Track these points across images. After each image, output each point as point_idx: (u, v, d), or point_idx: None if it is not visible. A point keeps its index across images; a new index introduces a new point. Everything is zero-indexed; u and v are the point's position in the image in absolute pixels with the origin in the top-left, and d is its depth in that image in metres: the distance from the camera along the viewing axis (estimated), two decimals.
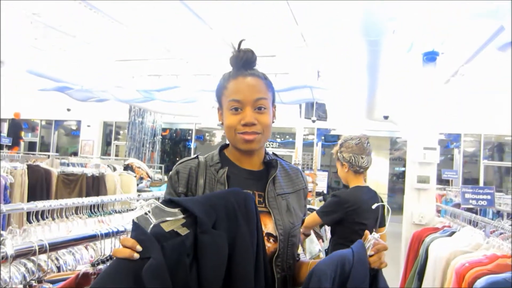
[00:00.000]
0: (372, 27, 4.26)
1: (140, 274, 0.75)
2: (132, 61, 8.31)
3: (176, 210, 0.88)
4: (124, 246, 0.80)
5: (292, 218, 1.12)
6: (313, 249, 2.96)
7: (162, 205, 0.88)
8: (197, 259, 0.86)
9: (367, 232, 1.02)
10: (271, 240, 1.06)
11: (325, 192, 7.75)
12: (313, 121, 8.26)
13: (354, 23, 4.30)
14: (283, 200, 1.13)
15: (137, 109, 11.88)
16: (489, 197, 3.11)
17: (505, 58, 6.00)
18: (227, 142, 1.21)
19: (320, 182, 7.60)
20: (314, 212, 2.37)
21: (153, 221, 0.85)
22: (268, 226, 1.07)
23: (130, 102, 9.18)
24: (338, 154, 2.48)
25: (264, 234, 1.03)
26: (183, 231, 0.86)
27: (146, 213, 0.86)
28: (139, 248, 0.78)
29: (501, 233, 2.40)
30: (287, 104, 7.75)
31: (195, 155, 1.16)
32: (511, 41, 4.41)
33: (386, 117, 8.27)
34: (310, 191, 7.12)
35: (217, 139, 14.21)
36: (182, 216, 0.88)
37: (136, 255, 0.78)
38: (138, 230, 0.83)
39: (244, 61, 1.13)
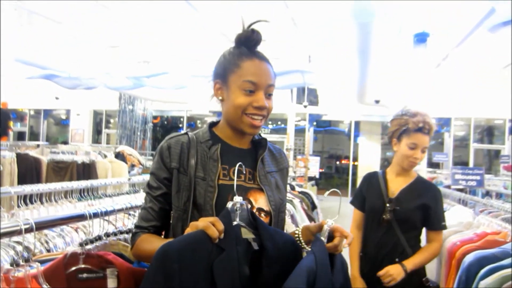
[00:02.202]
0: (363, 9, 4.23)
1: (208, 257, 0.82)
2: (122, 47, 8.18)
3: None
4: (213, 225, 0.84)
5: (281, 195, 1.18)
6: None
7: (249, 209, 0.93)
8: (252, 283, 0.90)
9: (323, 221, 1.09)
10: (262, 214, 1.11)
11: (317, 176, 7.80)
12: (305, 106, 8.25)
13: (345, 6, 4.27)
14: (272, 178, 1.18)
15: (127, 97, 11.73)
16: (478, 177, 3.15)
17: (495, 40, 6.02)
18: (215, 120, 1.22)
19: (312, 167, 7.64)
20: None
21: (238, 220, 0.89)
22: (259, 201, 1.11)
23: (119, 89, 9.07)
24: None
25: (255, 209, 1.09)
26: (254, 246, 0.91)
27: (237, 208, 0.89)
28: (222, 236, 0.85)
29: (490, 212, 2.43)
30: (278, 89, 7.70)
31: (184, 132, 1.16)
32: (503, 22, 4.40)
33: (377, 101, 8.29)
34: (302, 176, 7.18)
35: None
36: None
37: (217, 239, 0.84)
38: (227, 219, 0.88)
39: (255, 42, 1.12)
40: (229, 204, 0.90)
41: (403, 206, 1.89)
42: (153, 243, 0.98)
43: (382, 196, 1.95)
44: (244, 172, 1.11)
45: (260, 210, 1.11)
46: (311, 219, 3.21)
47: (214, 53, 1.22)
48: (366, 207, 2.03)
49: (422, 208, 1.89)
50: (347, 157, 12.56)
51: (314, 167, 8.00)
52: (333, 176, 14.51)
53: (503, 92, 9.12)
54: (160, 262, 0.79)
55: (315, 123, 12.42)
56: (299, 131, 11.58)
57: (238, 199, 0.90)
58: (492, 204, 2.23)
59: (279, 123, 13.19)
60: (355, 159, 12.33)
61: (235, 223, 0.89)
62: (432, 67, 7.59)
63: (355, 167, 12.30)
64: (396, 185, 1.98)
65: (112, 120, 13.84)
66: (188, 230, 0.87)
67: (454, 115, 10.86)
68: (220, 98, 1.13)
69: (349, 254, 2.02)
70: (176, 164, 1.08)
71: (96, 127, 13.78)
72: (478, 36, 5.87)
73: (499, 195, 4.11)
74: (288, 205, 2.84)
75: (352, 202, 2.14)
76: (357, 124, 12.29)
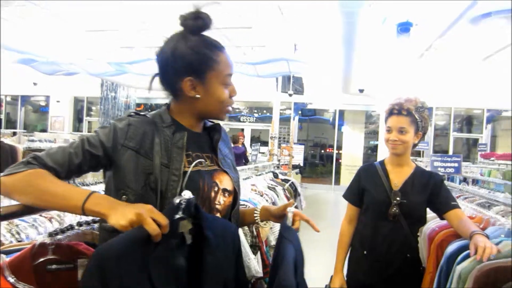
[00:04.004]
0: None
1: (144, 255, 0.79)
2: (104, 32, 7.95)
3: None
4: (155, 222, 0.81)
5: (238, 174, 1.25)
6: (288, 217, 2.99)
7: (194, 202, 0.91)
8: (195, 272, 0.91)
9: (284, 206, 1.18)
10: (226, 194, 1.14)
11: (301, 164, 7.84)
12: (290, 95, 8.24)
13: None
14: (228, 160, 1.22)
15: (110, 84, 11.50)
16: (456, 164, 3.20)
17: (476, 32, 6.09)
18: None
19: (296, 155, 7.67)
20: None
21: (180, 214, 0.87)
22: (223, 182, 1.13)
23: (101, 75, 8.87)
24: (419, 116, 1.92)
25: (220, 190, 1.12)
26: (188, 239, 0.91)
27: (181, 202, 0.87)
28: (165, 231, 0.82)
29: (466, 197, 2.48)
30: (264, 77, 7.68)
31: (143, 113, 1.12)
32: (482, 14, 4.46)
33: (361, 91, 8.34)
34: (286, 164, 7.20)
35: None
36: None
37: (159, 237, 0.81)
38: (170, 215, 0.85)
39: (208, 26, 1.10)
40: (176, 200, 0.88)
41: (409, 199, 1.83)
42: (56, 186, 0.90)
43: (385, 189, 1.88)
44: (206, 161, 1.12)
45: (224, 190, 1.13)
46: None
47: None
48: (367, 201, 1.94)
49: (429, 200, 1.86)
50: (331, 146, 12.66)
51: (299, 155, 8.04)
52: (317, 165, 14.63)
53: (482, 83, 9.30)
54: (96, 268, 0.76)
55: (300, 112, 12.44)
56: (285, 120, 11.59)
57: (187, 194, 0.89)
58: (468, 190, 2.26)
59: (264, 111, 13.16)
60: (339, 147, 12.44)
61: (177, 216, 0.87)
62: (415, 57, 7.65)
63: (339, 156, 12.42)
64: (397, 176, 1.91)
65: (94, 108, 13.56)
66: (123, 223, 0.81)
67: (436, 105, 11.02)
68: (196, 95, 1.07)
69: (338, 246, 1.98)
70: (135, 144, 1.02)
71: (77, 114, 13.49)
72: (460, 28, 5.93)
73: (475, 182, 4.21)
74: (270, 193, 2.84)
75: (345, 197, 2.05)
76: (342, 113, 12.37)
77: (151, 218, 0.81)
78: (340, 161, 12.27)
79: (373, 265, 1.87)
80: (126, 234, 0.80)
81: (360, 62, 7.08)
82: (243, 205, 2.21)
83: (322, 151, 14.71)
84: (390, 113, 1.87)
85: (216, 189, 1.10)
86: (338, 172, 12.09)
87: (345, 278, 1.95)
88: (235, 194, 1.17)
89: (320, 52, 7.87)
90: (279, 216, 1.21)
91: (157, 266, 0.81)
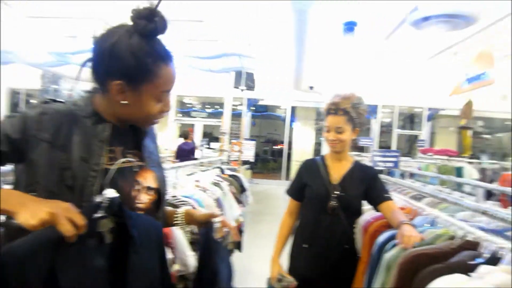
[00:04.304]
0: None
1: (50, 258, 0.74)
2: (45, 19, 7.46)
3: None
4: (71, 221, 0.75)
5: (163, 172, 1.19)
6: (233, 213, 3.00)
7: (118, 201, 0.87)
8: (120, 272, 0.87)
9: (209, 214, 1.22)
10: (150, 192, 1.09)
11: (251, 160, 7.88)
12: (242, 90, 8.25)
13: None
14: (154, 156, 1.16)
15: (51, 75, 10.84)
16: (395, 159, 3.38)
17: (418, 35, 6.44)
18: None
19: (247, 151, 7.69)
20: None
21: (101, 212, 0.83)
22: (147, 180, 1.08)
23: (41, 66, 8.33)
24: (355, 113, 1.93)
25: (143, 188, 1.06)
26: (107, 238, 0.87)
27: (102, 201, 0.83)
28: (81, 231, 0.76)
29: (402, 190, 2.63)
30: (216, 72, 7.61)
31: (60, 100, 1.03)
32: (423, 18, 4.71)
33: (311, 88, 8.53)
34: (236, 160, 7.21)
35: None
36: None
37: (74, 239, 0.75)
38: (89, 214, 0.81)
39: (160, 33, 0.99)
40: (98, 198, 0.84)
41: (347, 192, 1.91)
42: None
43: (325, 183, 1.94)
44: (131, 159, 1.06)
45: (148, 188, 1.08)
46: (239, 201, 3.24)
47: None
48: (308, 195, 1.99)
49: (365, 192, 1.94)
50: (283, 142, 12.89)
51: (249, 151, 8.07)
52: (269, 160, 14.82)
53: (424, 83, 9.88)
54: None
55: (253, 108, 12.50)
56: (237, 116, 11.60)
57: (109, 192, 0.85)
58: (401, 183, 2.40)
59: (216, 107, 13.08)
60: (290, 144, 12.67)
61: (97, 215, 0.83)
62: (364, 56, 7.96)
63: (290, 151, 12.65)
64: (337, 171, 1.98)
65: (33, 101, 12.72)
66: (33, 223, 0.73)
67: (381, 103, 11.56)
68: (123, 101, 0.97)
69: (277, 236, 2.02)
70: (49, 136, 0.92)
71: (13, 108, 12.59)
72: (405, 30, 6.24)
73: (412, 175, 4.47)
74: (214, 188, 2.83)
75: (287, 192, 2.10)
76: (293, 109, 12.59)
77: (67, 218, 0.74)
78: (291, 156, 12.51)
79: (313, 257, 1.93)
80: (35, 235, 0.74)
81: (310, 60, 7.24)
82: (184, 201, 2.19)
83: (274, 147, 14.91)
84: (328, 112, 1.91)
85: (138, 187, 1.04)
86: (289, 168, 12.32)
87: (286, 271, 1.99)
88: (160, 192, 1.12)
89: (272, 48, 7.94)
90: (203, 223, 1.20)
91: (66, 269, 0.76)
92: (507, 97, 9.64)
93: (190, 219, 1.22)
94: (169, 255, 1.75)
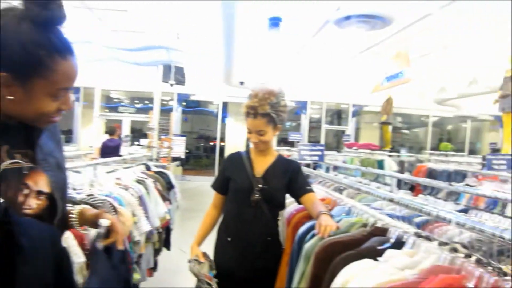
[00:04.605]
0: None
1: None
2: None
3: None
4: None
5: (65, 175, 1.08)
6: (159, 211, 2.89)
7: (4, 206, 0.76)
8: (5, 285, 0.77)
9: (98, 213, 1.11)
10: (41, 197, 0.95)
11: (182, 157, 7.71)
12: (171, 85, 8.00)
13: None
14: (52, 158, 1.03)
15: None
16: (320, 153, 3.49)
17: (342, 34, 6.75)
18: None
19: (177, 147, 7.51)
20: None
21: None
22: (39, 184, 0.95)
23: None
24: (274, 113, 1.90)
25: (33, 192, 0.93)
26: None
27: None
28: None
29: (326, 183, 2.72)
30: (142, 65, 7.30)
31: None
32: (345, 17, 4.94)
33: (242, 83, 8.55)
34: (166, 157, 7.00)
35: None
36: None
37: None
38: None
39: (57, 24, 0.88)
40: None
41: (270, 185, 1.92)
42: None
43: (248, 176, 1.94)
44: (19, 161, 0.93)
45: (39, 193, 0.96)
46: (165, 199, 3.13)
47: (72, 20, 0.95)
48: (232, 188, 1.99)
49: (288, 185, 1.96)
50: (216, 138, 12.82)
51: (180, 147, 7.89)
52: (201, 157, 14.65)
53: (349, 80, 10.43)
54: None
55: (184, 103, 12.24)
56: (168, 111, 11.27)
57: None
58: (324, 175, 2.48)
59: (146, 102, 12.60)
60: (223, 139, 12.65)
61: None
62: (291, 53, 8.16)
63: (223, 147, 12.62)
64: (260, 165, 1.99)
65: None
66: None
67: (310, 99, 11.99)
68: (8, 96, 0.85)
69: (200, 225, 2.01)
70: None
71: None
72: (330, 29, 6.50)
73: (336, 168, 4.69)
74: (138, 186, 2.70)
75: (212, 186, 2.09)
76: (225, 105, 12.56)
77: None
78: (224, 152, 12.49)
79: (237, 250, 1.93)
80: None
81: (240, 55, 7.24)
82: (102, 200, 2.05)
83: (211, 143, 14.79)
84: (247, 115, 1.90)
85: (26, 191, 0.91)
86: (221, 164, 12.28)
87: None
88: (53, 197, 0.99)
89: (201, 42, 7.81)
90: (95, 223, 1.09)
91: None
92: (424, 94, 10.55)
93: (82, 219, 1.11)
94: (81, 258, 1.62)
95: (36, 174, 0.95)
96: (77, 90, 11.06)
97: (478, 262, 0.91)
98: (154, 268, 3.02)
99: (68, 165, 2.24)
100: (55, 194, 0.98)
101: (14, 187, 0.89)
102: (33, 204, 0.92)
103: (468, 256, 0.98)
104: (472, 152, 12.80)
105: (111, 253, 1.01)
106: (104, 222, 1.00)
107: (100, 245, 0.99)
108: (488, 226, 0.90)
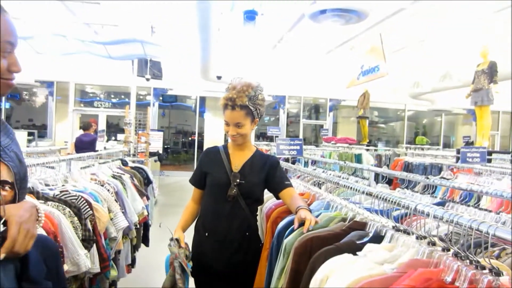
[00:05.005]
0: None
1: None
2: None
3: None
4: None
5: (25, 167, 1.09)
6: (136, 206, 2.83)
7: None
8: None
9: None
10: (6, 187, 0.97)
11: (160, 152, 7.60)
12: (147, 79, 7.86)
13: None
14: (11, 152, 1.05)
15: None
16: (298, 147, 3.49)
17: (319, 28, 6.78)
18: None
19: (154, 142, 7.40)
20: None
21: None
22: (2, 173, 0.97)
23: None
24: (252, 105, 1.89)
25: None
26: None
27: None
28: None
29: (304, 177, 2.72)
30: (116, 59, 7.12)
31: None
32: (320, 10, 4.95)
33: (219, 78, 8.48)
34: (143, 152, 6.88)
35: (40, 99, 12.23)
36: None
37: None
38: None
39: None
40: None
41: (247, 179, 1.90)
42: None
43: (226, 171, 1.92)
44: None
45: (4, 183, 0.96)
46: (143, 194, 3.07)
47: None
48: (209, 182, 1.96)
49: (265, 180, 1.94)
50: (195, 133, 12.69)
51: (157, 142, 7.77)
52: (180, 152, 14.49)
53: (326, 75, 10.52)
54: None
55: (161, 98, 12.04)
56: (144, 106, 11.09)
57: None
58: (302, 170, 2.48)
59: (122, 96, 12.33)
60: (201, 134, 12.54)
61: None
62: (268, 48, 8.15)
63: (201, 142, 12.51)
64: (238, 159, 1.97)
65: None
66: None
67: (288, 94, 12.02)
68: None
69: (181, 216, 2.00)
70: None
71: None
72: (306, 23, 6.51)
73: (315, 163, 4.72)
74: (114, 182, 2.63)
75: (190, 180, 2.07)
76: (203, 100, 12.44)
77: None
78: (203, 147, 12.39)
79: (215, 245, 1.90)
80: None
81: (217, 49, 7.16)
82: (75, 196, 1.98)
83: (190, 138, 14.63)
84: (225, 107, 1.87)
85: None
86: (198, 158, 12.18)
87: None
88: (16, 190, 1.00)
89: (178, 36, 7.68)
90: None
91: None
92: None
93: None
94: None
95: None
96: (50, 84, 10.73)
97: (456, 255, 0.92)
98: (132, 265, 2.97)
99: (41, 160, 2.19)
100: (16, 185, 0.99)
101: None
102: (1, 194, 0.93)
103: (446, 249, 0.98)
104: (446, 145, 13.17)
105: (26, 265, 0.89)
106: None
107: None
108: (465, 219, 0.90)
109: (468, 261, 0.89)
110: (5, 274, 0.82)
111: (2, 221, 0.82)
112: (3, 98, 11.01)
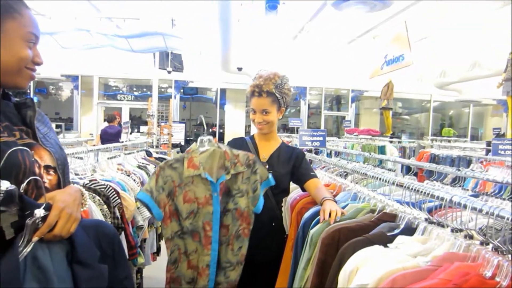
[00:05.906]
0: None
1: None
2: None
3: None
4: None
5: (64, 152, 1.11)
6: None
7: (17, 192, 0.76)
8: None
9: None
10: (50, 172, 1.00)
11: (182, 143, 7.67)
12: (169, 72, 7.91)
13: None
14: (51, 139, 1.09)
15: None
16: (321, 138, 3.45)
17: (341, 17, 6.64)
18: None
19: (176, 134, 7.48)
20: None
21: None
22: (44, 158, 0.99)
23: None
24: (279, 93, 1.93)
25: (42, 167, 0.97)
26: (9, 234, 0.75)
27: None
28: None
29: (329, 168, 2.68)
30: (138, 52, 7.19)
31: None
32: None
33: (240, 69, 8.44)
34: (166, 143, 6.96)
35: (66, 93, 12.55)
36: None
37: None
38: None
39: None
40: None
41: (275, 169, 1.91)
42: None
43: None
44: (24, 136, 0.97)
45: (48, 167, 0.99)
46: None
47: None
48: None
49: (292, 171, 1.96)
50: (215, 125, 12.74)
51: (179, 134, 7.85)
52: None
53: (348, 65, 10.32)
54: None
55: (182, 91, 12.12)
56: (166, 98, 11.18)
57: (3, 184, 0.75)
58: (327, 160, 2.44)
59: (144, 89, 12.48)
60: (222, 126, 12.58)
61: None
62: (290, 38, 8.04)
63: (222, 134, 12.57)
64: (265, 150, 2.00)
65: None
66: None
67: (309, 85, 11.88)
68: None
69: None
70: None
71: None
72: (327, 12, 6.38)
73: (337, 153, 4.66)
74: (140, 172, 2.66)
75: None
76: (223, 92, 12.45)
77: None
78: (224, 139, 12.44)
79: None
80: None
81: (237, 40, 7.13)
82: (104, 185, 2.02)
83: (211, 130, 14.71)
84: (252, 95, 1.91)
85: (37, 165, 0.93)
86: None
87: None
88: (60, 171, 1.03)
89: (198, 28, 7.68)
90: None
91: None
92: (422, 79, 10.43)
93: None
94: None
95: (40, 150, 0.98)
96: (75, 78, 10.98)
97: (496, 249, 0.88)
98: (157, 253, 3.01)
99: (70, 150, 2.24)
100: (59, 170, 1.02)
101: (27, 159, 0.90)
102: (46, 179, 0.96)
103: (484, 243, 0.94)
104: (474, 137, 12.74)
105: (74, 248, 0.90)
106: (39, 212, 0.84)
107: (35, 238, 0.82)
108: (507, 211, 0.86)
109: (510, 256, 0.85)
110: (53, 256, 0.85)
111: (43, 206, 0.83)
112: (32, 93, 11.35)
